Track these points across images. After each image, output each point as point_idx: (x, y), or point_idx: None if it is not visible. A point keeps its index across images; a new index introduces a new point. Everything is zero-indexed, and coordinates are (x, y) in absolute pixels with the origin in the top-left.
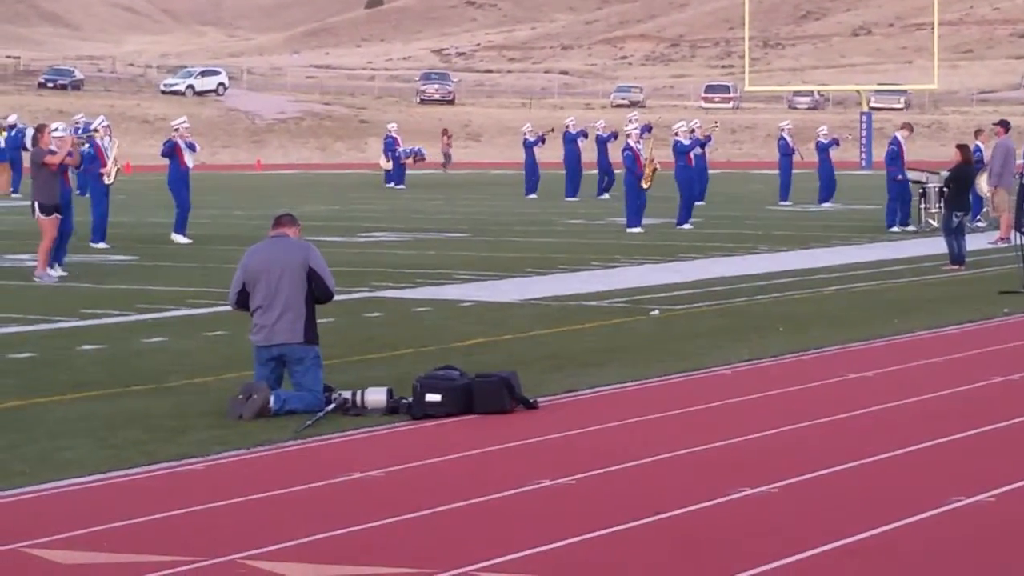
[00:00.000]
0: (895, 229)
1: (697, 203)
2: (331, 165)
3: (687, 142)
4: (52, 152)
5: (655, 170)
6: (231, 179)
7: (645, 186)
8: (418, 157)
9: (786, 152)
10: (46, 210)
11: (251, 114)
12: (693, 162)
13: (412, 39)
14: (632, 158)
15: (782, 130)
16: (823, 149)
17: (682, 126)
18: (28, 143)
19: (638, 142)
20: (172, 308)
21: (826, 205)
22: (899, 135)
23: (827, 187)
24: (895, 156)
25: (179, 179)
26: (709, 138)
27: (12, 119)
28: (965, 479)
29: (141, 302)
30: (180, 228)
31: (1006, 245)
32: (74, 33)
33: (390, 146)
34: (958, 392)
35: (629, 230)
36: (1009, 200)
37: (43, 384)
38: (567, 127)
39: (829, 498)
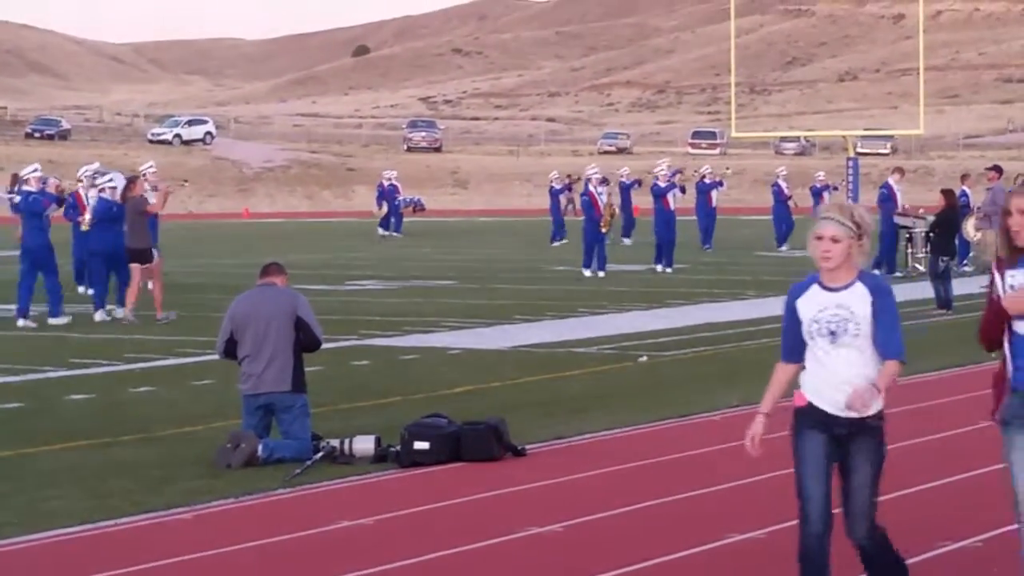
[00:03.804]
0: (898, 273)
1: (705, 247)
2: (319, 213)
3: (663, 185)
4: (149, 200)
5: (613, 215)
6: (218, 228)
7: (604, 230)
8: (417, 207)
9: (781, 198)
10: (142, 256)
11: (238, 163)
12: (670, 205)
13: (399, 87)
14: (589, 203)
15: (777, 176)
16: (817, 193)
17: (661, 169)
18: (118, 195)
19: (596, 187)
20: (160, 357)
21: None
22: (891, 180)
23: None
24: (885, 199)
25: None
26: (721, 183)
27: (29, 171)
28: (951, 525)
29: (129, 351)
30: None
31: None
32: (61, 83)
33: (390, 194)
34: (946, 436)
35: (584, 271)
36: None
37: (31, 434)
38: (551, 182)
39: None
